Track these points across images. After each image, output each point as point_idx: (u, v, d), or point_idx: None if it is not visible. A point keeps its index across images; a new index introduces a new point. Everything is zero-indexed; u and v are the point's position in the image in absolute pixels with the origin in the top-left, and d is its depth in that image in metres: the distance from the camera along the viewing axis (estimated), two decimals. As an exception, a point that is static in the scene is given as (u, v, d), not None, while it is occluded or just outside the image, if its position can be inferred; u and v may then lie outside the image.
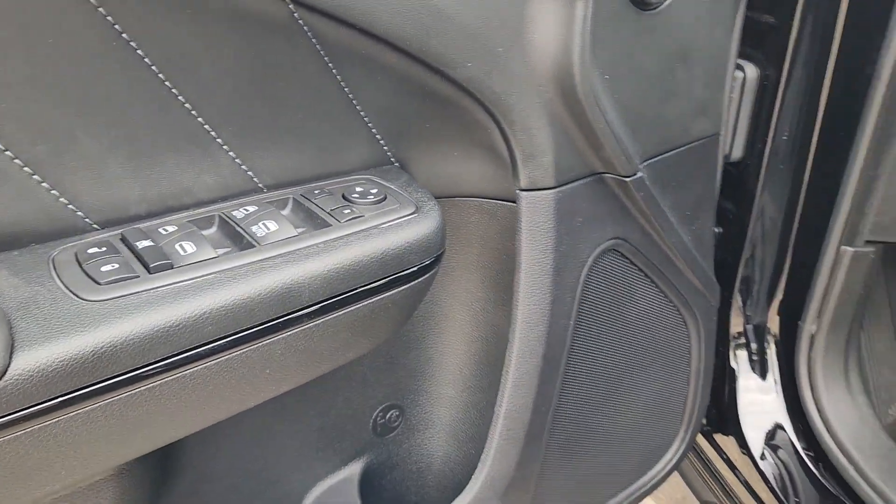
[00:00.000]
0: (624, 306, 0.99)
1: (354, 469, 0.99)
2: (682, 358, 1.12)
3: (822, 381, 1.32)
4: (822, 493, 1.28)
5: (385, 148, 0.81)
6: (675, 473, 1.59)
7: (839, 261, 1.19)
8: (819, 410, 1.31)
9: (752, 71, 1.17)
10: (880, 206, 1.12)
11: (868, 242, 1.17)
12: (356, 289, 0.70)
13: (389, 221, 0.73)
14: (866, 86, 1.06)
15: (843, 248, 1.18)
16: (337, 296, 0.69)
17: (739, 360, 1.39)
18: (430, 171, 0.85)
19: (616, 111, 0.82)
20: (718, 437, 1.43)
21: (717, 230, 1.35)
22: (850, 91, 1.09)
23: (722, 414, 1.41)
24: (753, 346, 1.39)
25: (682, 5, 0.84)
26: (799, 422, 1.33)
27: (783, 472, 1.33)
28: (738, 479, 1.40)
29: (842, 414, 1.31)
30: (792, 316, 1.30)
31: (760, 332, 1.38)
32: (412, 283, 0.75)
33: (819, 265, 1.21)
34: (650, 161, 0.90)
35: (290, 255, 0.67)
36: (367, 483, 1.00)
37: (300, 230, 0.70)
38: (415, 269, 0.74)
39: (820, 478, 1.29)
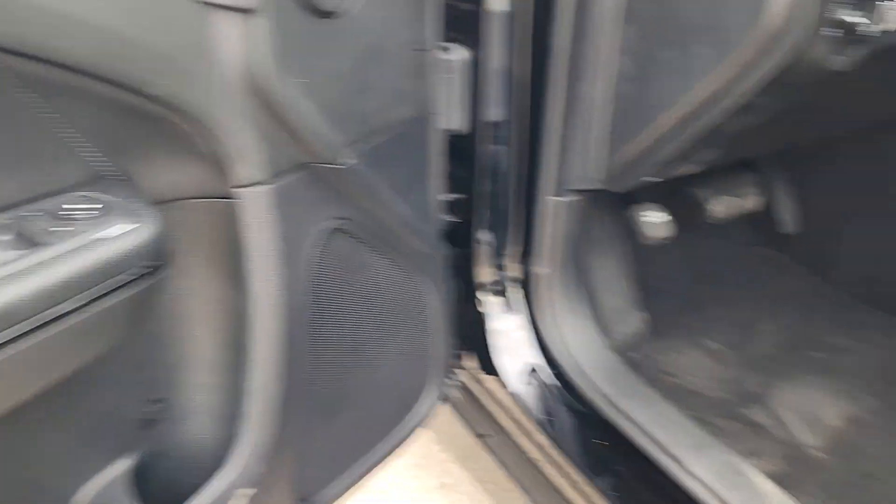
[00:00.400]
0: (358, 277, 1.09)
1: (125, 464, 1.04)
2: (420, 315, 1.23)
3: (558, 315, 1.50)
4: (568, 408, 1.44)
5: (103, 164, 0.85)
6: (453, 413, 1.77)
7: (551, 210, 1.35)
8: (560, 339, 1.50)
9: (459, 53, 1.30)
10: (574, 161, 1.31)
11: (570, 191, 1.35)
12: (78, 299, 0.76)
13: (107, 233, 0.78)
14: (547, 62, 1.22)
15: (551, 198, 1.35)
16: (61, 307, 0.74)
17: (491, 308, 1.52)
18: (152, 179, 0.90)
19: (316, 109, 0.90)
20: (483, 378, 1.56)
21: (461, 196, 1.51)
22: (537, 67, 1.24)
23: (484, 357, 1.55)
24: (501, 293, 1.56)
25: (366, 10, 0.92)
26: (544, 352, 1.48)
27: (537, 397, 1.48)
28: (504, 411, 1.56)
29: (576, 339, 1.49)
30: (527, 262, 1.46)
31: (504, 280, 1.55)
32: (137, 287, 0.81)
33: (537, 215, 1.39)
34: (357, 148, 0.99)
35: (4, 278, 0.71)
36: (142, 476, 1.05)
37: (18, 252, 0.74)
38: (137, 275, 0.80)
39: (564, 396, 1.49)
